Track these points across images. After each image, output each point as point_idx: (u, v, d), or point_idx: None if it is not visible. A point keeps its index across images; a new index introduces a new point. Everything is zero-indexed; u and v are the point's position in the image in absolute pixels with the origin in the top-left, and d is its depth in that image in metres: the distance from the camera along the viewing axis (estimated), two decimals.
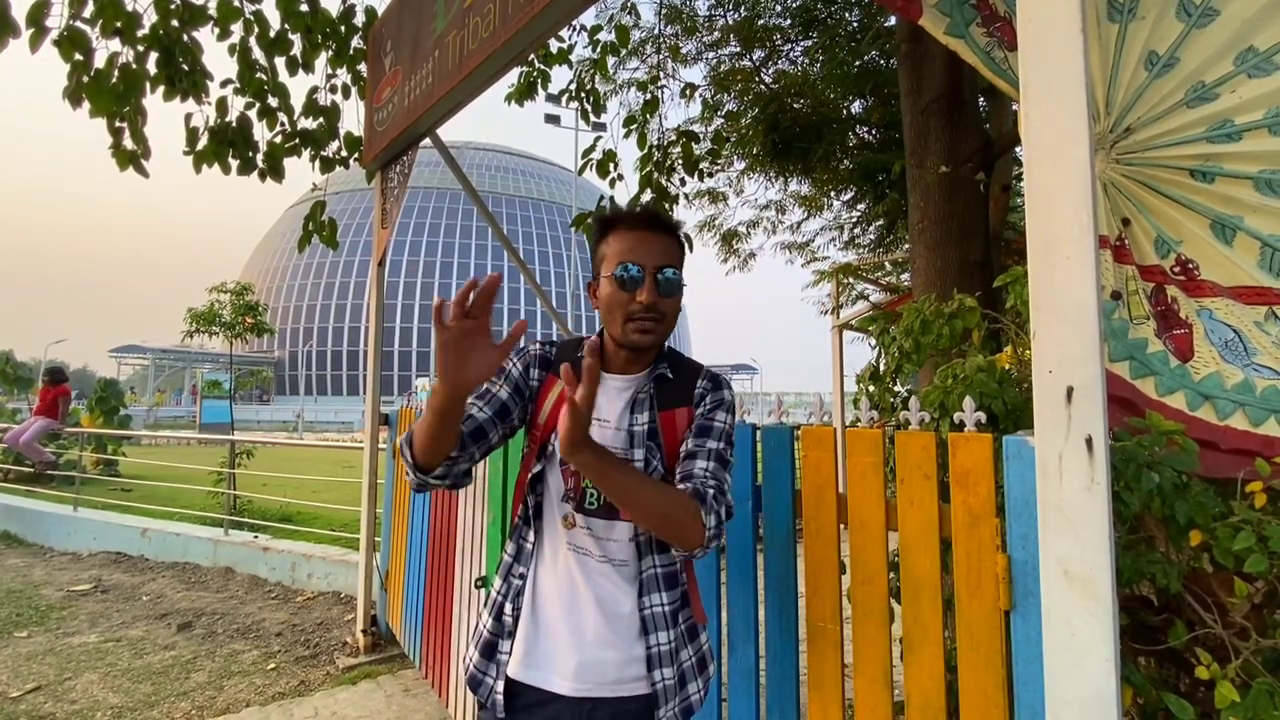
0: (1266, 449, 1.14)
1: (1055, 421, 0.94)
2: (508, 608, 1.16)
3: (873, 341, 2.05)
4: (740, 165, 6.13)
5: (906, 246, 4.96)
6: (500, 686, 1.12)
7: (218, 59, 4.07)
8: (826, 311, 7.96)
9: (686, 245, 1.21)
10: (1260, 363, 1.17)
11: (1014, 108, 3.66)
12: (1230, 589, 1.11)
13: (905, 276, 7.24)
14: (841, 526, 1.49)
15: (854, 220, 7.11)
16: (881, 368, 1.94)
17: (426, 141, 3.34)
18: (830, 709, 1.48)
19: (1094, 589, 0.90)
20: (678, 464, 1.15)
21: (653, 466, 1.14)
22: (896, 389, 1.94)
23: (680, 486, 1.09)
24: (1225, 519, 1.10)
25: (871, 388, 1.92)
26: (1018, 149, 3.42)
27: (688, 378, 1.22)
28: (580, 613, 1.12)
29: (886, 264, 7.45)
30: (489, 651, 1.16)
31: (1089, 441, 0.92)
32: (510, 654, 1.13)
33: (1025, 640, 1.11)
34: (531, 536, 1.17)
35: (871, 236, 7.19)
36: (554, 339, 1.28)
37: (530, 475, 1.17)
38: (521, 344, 1.21)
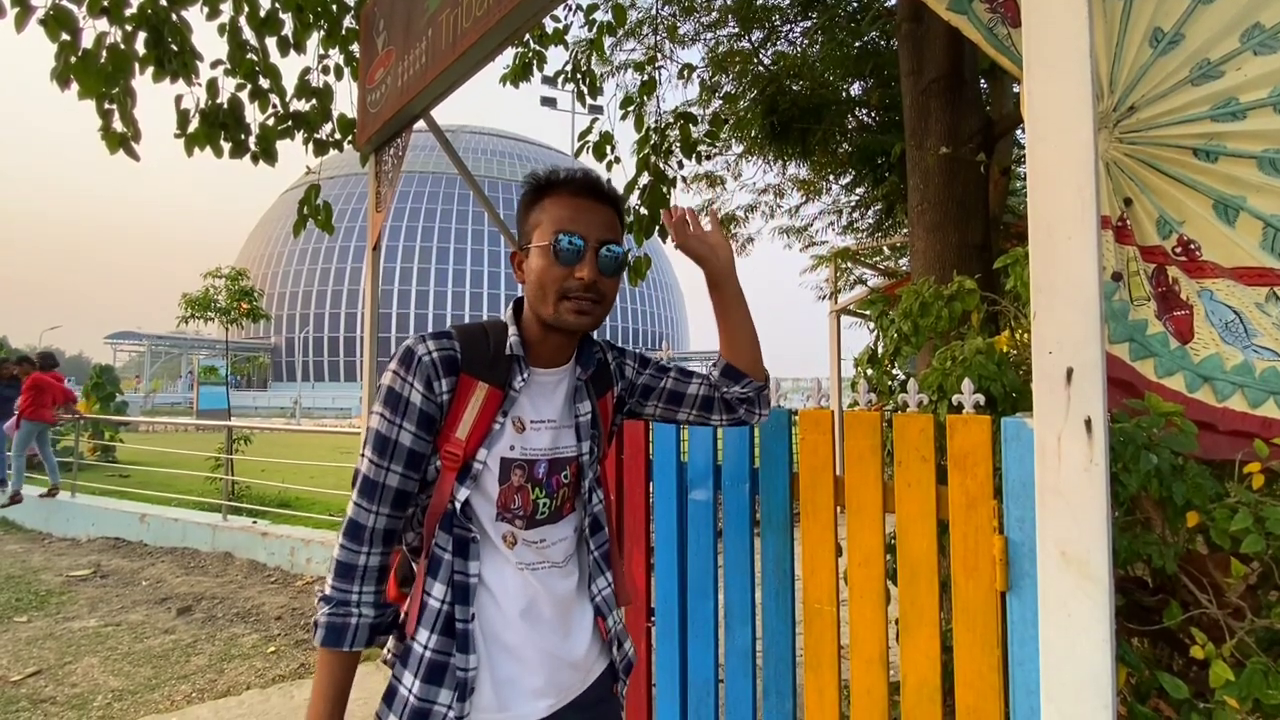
0: (1265, 430, 1.13)
1: (1054, 403, 0.93)
2: (464, 660, 0.94)
3: (871, 326, 2.04)
4: (738, 148, 6.08)
5: (905, 231, 4.94)
6: None
7: (207, 39, 4.02)
8: (824, 296, 7.95)
9: (624, 222, 1.10)
10: (1260, 344, 1.17)
11: (1015, 89, 3.62)
12: (1226, 570, 1.12)
13: (904, 261, 7.23)
14: (839, 509, 1.49)
15: (852, 204, 7.07)
16: (879, 351, 1.93)
17: (421, 125, 3.30)
18: (827, 690, 1.49)
19: (1090, 570, 0.90)
20: (671, 399, 1.19)
21: (595, 454, 1.09)
22: (894, 372, 1.93)
23: (702, 383, 1.19)
24: (1222, 500, 1.10)
25: (869, 371, 1.92)
26: (1019, 132, 3.40)
27: (604, 361, 1.15)
28: (540, 624, 1.01)
29: (885, 248, 7.43)
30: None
31: (1088, 423, 0.91)
32: (470, 711, 0.95)
33: (1021, 621, 1.11)
34: (474, 568, 0.97)
35: (870, 220, 7.16)
36: (447, 329, 1.03)
37: (458, 505, 0.96)
38: (409, 349, 0.98)
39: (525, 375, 1.01)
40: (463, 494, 0.96)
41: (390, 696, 0.98)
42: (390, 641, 1.02)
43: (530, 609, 0.99)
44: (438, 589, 0.96)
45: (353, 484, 0.99)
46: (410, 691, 0.94)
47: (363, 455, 0.98)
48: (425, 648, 0.95)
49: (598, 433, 1.10)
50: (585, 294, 0.98)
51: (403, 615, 1.00)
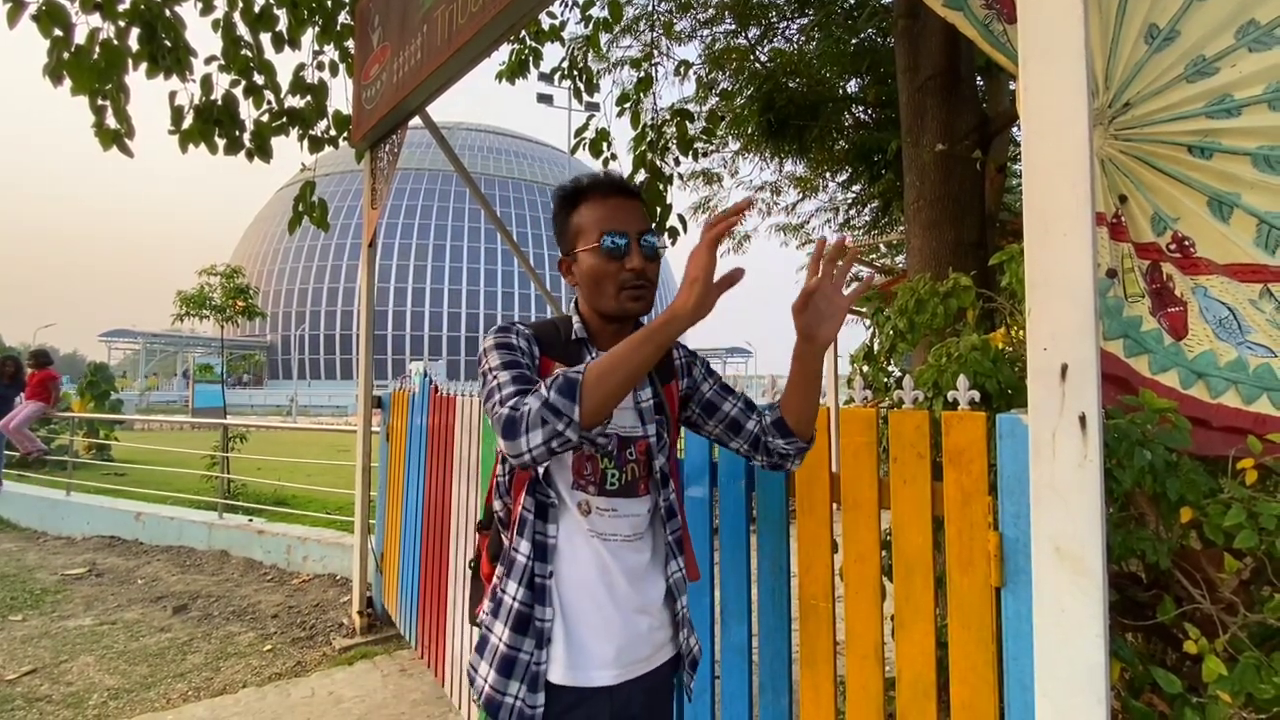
0: (1258, 427, 1.14)
1: (1049, 399, 0.93)
2: (542, 613, 1.06)
3: (867, 323, 2.05)
4: (735, 146, 6.09)
5: (902, 228, 4.94)
6: (539, 700, 1.04)
7: (201, 35, 3.99)
8: None
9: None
10: (1254, 340, 1.17)
11: (1011, 86, 3.63)
12: (1219, 565, 1.12)
13: (900, 258, 7.24)
14: (834, 506, 1.49)
15: (849, 201, 7.08)
16: (875, 347, 1.94)
17: (417, 121, 3.29)
18: (822, 686, 1.49)
19: (1085, 566, 0.91)
20: (731, 426, 1.23)
21: (663, 440, 1.17)
22: (890, 369, 1.93)
23: (758, 421, 1.23)
24: (1216, 496, 1.10)
25: (865, 367, 1.92)
26: (1015, 129, 3.40)
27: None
28: (613, 591, 1.09)
29: (882, 246, 7.44)
30: (508, 668, 1.05)
31: (1082, 419, 0.91)
32: (548, 661, 1.06)
33: (1016, 616, 1.12)
34: (553, 531, 1.10)
35: (866, 218, 7.17)
36: (519, 323, 1.18)
37: (540, 471, 1.09)
38: (507, 326, 1.15)
39: (593, 355, 1.13)
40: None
41: (482, 646, 1.11)
42: (486, 604, 1.15)
43: (603, 579, 1.09)
44: (524, 546, 1.09)
45: (489, 400, 1.01)
46: (500, 640, 1.07)
47: (495, 375, 1.03)
48: (514, 599, 1.07)
49: (663, 419, 1.18)
50: (637, 282, 1.09)
51: (495, 584, 1.13)
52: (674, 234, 4.10)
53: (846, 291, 1.11)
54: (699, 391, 1.25)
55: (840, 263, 1.09)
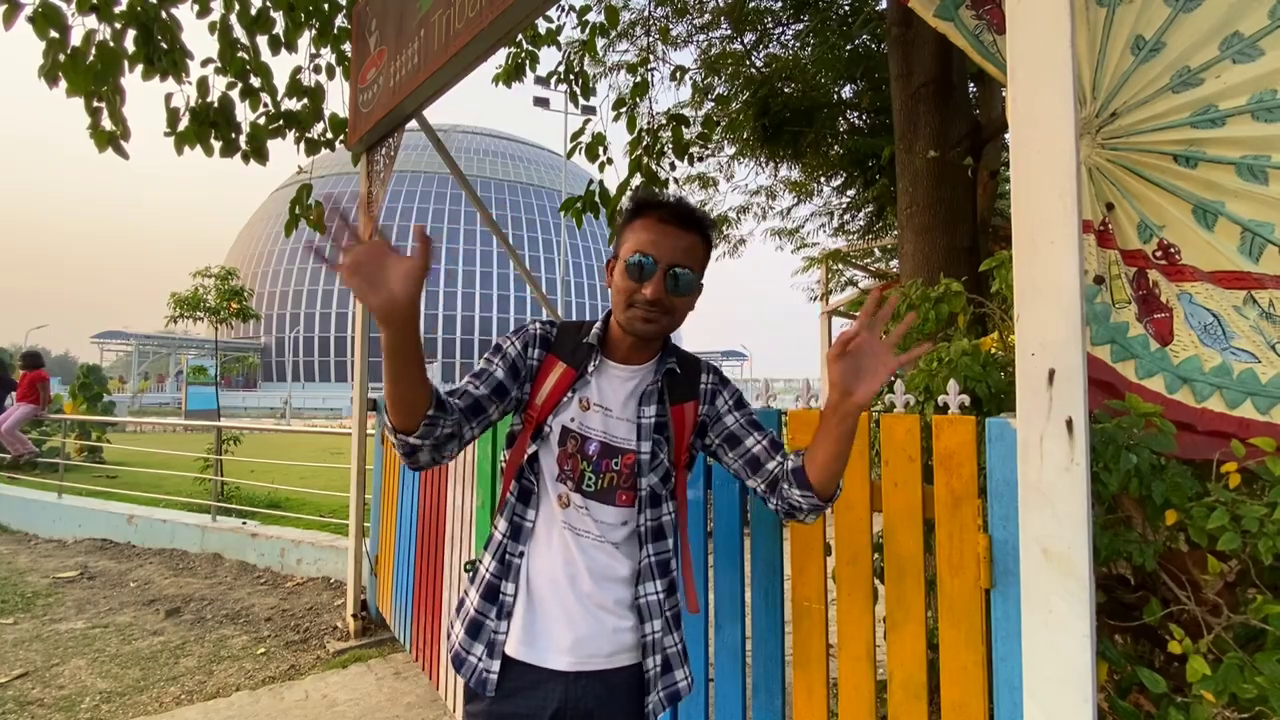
0: (1242, 431, 1.16)
1: (1037, 404, 0.95)
2: (506, 587, 1.15)
3: None
4: (730, 150, 6.10)
5: (895, 233, 4.98)
6: (495, 666, 1.12)
7: (198, 37, 4.00)
8: (816, 298, 8.00)
9: (710, 244, 1.20)
10: (1238, 346, 1.19)
11: (1004, 93, 3.66)
12: (1204, 567, 1.14)
13: (894, 263, 7.28)
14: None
15: (843, 206, 7.10)
16: None
17: (413, 124, 3.30)
18: (815, 687, 1.50)
19: (1072, 567, 0.92)
20: (751, 463, 1.19)
21: (659, 459, 1.18)
22: None
23: (780, 461, 1.17)
24: (1200, 499, 1.12)
25: None
26: (1007, 136, 3.43)
27: (690, 371, 1.25)
28: (576, 584, 1.13)
29: (875, 250, 7.48)
30: (475, 630, 1.15)
31: (1069, 423, 0.93)
32: (507, 633, 1.13)
33: (1005, 618, 1.13)
34: (530, 515, 1.17)
35: (861, 222, 7.20)
36: (553, 320, 1.27)
37: (526, 456, 1.16)
38: (524, 324, 1.24)
39: (597, 363, 1.19)
40: (531, 448, 1.16)
41: (459, 607, 1.23)
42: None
43: (568, 569, 1.14)
44: (502, 525, 1.19)
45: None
46: (472, 604, 1.18)
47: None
48: (487, 570, 1.18)
49: (663, 439, 1.19)
50: (649, 307, 1.13)
51: (480, 559, 1.24)
52: None
53: (900, 356, 1.00)
54: (721, 422, 1.23)
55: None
